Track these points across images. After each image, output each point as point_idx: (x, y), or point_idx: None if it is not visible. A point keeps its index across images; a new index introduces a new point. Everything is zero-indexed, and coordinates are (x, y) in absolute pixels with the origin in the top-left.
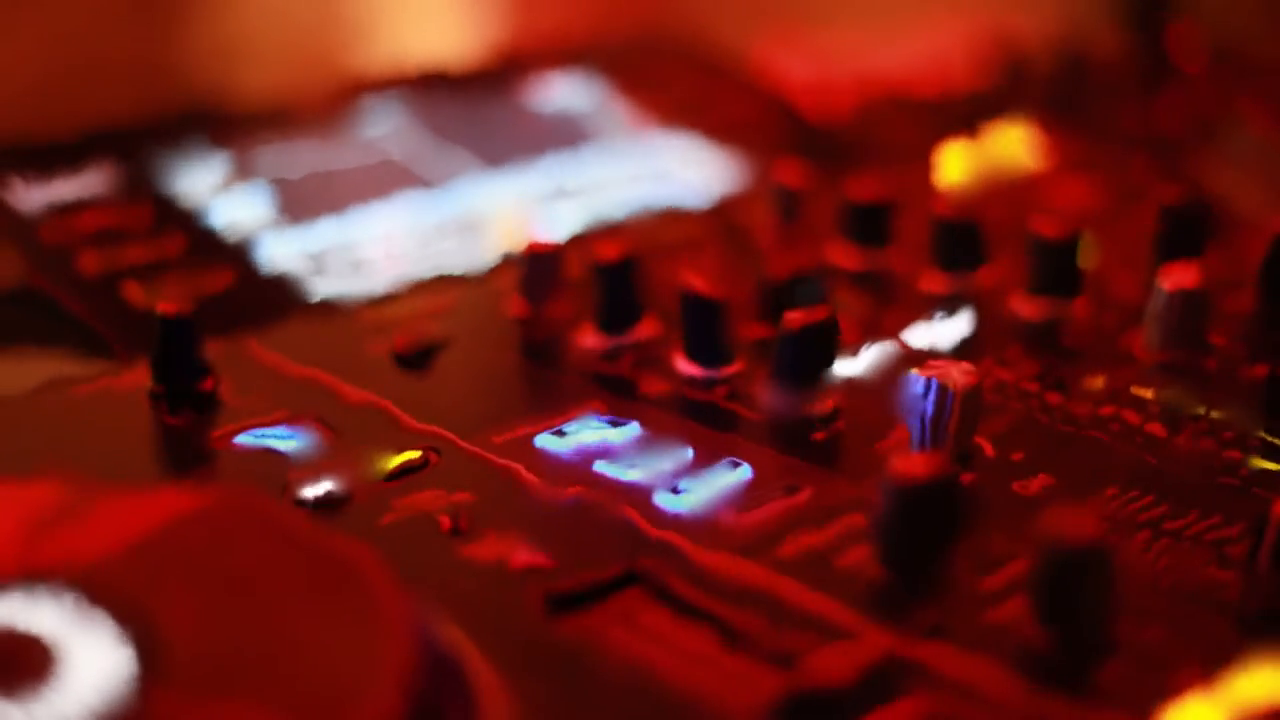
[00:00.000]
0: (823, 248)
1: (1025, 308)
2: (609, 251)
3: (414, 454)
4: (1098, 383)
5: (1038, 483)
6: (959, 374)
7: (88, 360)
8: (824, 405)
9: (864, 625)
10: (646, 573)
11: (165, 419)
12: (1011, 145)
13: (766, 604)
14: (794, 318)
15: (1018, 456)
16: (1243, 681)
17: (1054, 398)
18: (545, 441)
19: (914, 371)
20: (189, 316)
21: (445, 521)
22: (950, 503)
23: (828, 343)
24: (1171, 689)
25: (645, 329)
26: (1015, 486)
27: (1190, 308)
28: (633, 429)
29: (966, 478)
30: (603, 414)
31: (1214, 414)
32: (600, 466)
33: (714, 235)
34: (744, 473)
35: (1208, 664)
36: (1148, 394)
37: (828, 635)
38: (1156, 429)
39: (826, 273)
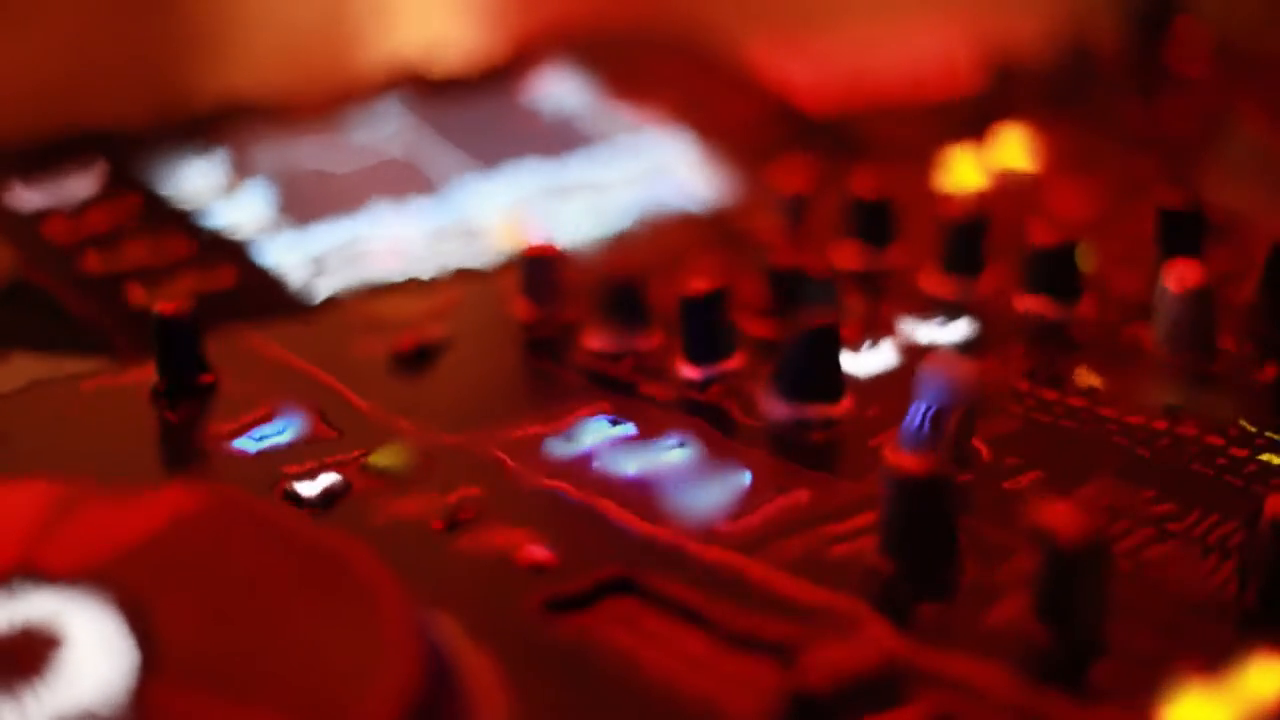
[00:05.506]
0: (829, 248)
1: (1026, 309)
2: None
3: (412, 455)
4: (1097, 382)
5: (1037, 482)
6: (956, 371)
7: (87, 358)
8: (831, 409)
9: (864, 624)
10: (643, 578)
11: (166, 415)
12: (1012, 149)
13: (766, 603)
14: (803, 319)
15: (1016, 456)
16: (1241, 680)
17: (1052, 397)
18: (548, 442)
19: (921, 370)
20: (191, 314)
21: (444, 520)
22: (946, 498)
23: (833, 347)
24: (1170, 687)
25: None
26: (1013, 485)
27: (1196, 307)
28: (631, 429)
29: (964, 477)
30: (606, 415)
31: (1217, 413)
32: (601, 466)
33: (714, 236)
34: (744, 472)
35: (1206, 662)
36: (1148, 393)
37: (828, 634)
38: (1158, 427)
39: (837, 274)
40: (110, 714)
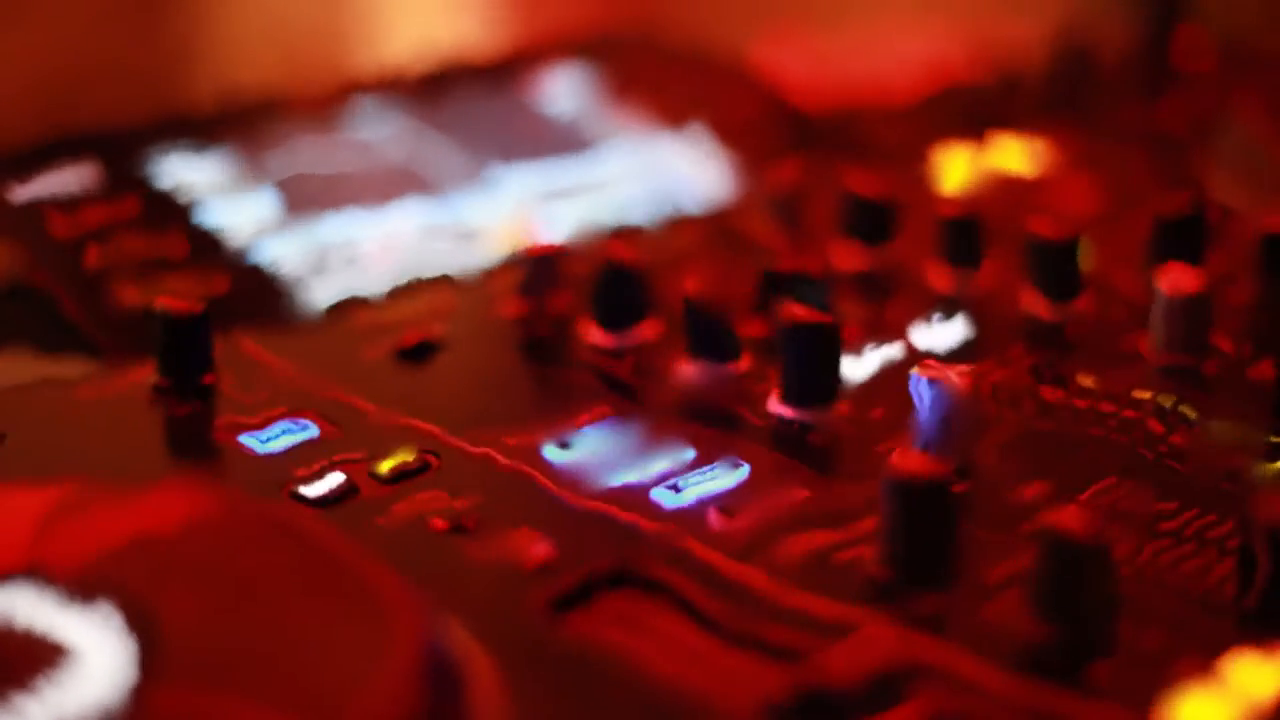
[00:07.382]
0: (826, 248)
1: (1026, 309)
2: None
3: (412, 455)
4: (1098, 383)
5: (1038, 482)
6: (956, 376)
7: (86, 358)
8: (831, 410)
9: (866, 624)
10: (641, 573)
11: (169, 414)
12: (1011, 149)
13: (767, 603)
14: (794, 315)
15: (1018, 457)
16: (1241, 677)
17: (1054, 398)
18: (549, 443)
19: (914, 373)
20: (200, 312)
21: (446, 521)
22: (949, 501)
23: (830, 347)
24: (1170, 685)
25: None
26: (1015, 486)
27: (1191, 312)
28: (634, 429)
29: (968, 480)
30: (607, 415)
31: (1216, 417)
32: (601, 467)
33: (713, 237)
34: (745, 473)
35: (1206, 660)
36: (1148, 394)
37: (830, 634)
38: (1156, 428)
39: (830, 275)
40: (113, 714)
